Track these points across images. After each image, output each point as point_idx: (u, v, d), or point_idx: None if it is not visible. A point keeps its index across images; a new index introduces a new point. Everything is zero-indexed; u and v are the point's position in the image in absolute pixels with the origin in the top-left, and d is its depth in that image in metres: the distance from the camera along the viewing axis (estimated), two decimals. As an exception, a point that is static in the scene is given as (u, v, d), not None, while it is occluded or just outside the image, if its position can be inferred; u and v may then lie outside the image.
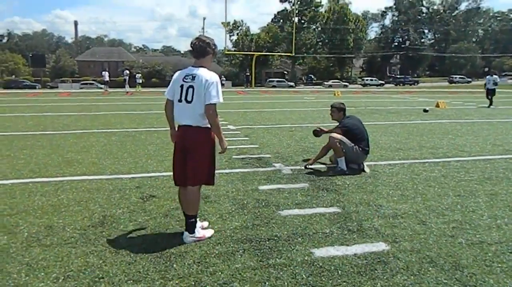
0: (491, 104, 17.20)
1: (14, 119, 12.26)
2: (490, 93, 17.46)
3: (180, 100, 3.23)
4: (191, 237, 3.28)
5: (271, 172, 5.60)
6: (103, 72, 34.29)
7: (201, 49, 3.25)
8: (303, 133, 9.36)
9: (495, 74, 18.20)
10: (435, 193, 4.59)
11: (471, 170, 5.70)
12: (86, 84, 54.97)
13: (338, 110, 5.81)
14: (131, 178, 5.21)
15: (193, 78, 3.18)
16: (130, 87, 34.09)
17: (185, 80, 3.22)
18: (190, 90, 3.18)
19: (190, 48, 3.28)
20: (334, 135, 5.54)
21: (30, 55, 60.51)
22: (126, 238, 3.36)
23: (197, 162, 3.24)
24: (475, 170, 5.73)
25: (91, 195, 4.48)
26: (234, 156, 6.58)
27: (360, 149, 5.57)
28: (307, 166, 5.82)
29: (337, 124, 5.80)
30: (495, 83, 17.63)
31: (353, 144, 5.51)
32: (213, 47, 3.29)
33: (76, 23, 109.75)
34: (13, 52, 71.06)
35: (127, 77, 33.42)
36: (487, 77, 18.19)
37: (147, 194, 4.54)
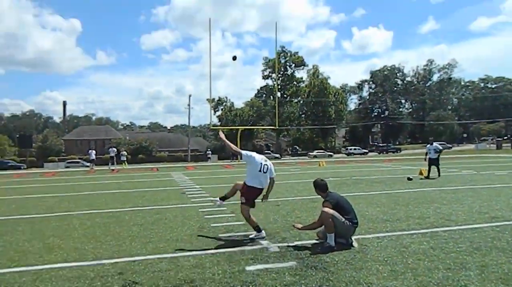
0: (439, 174, 15.56)
1: (-5, 203, 11.98)
2: (434, 162, 15.80)
3: (259, 171, 6.06)
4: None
5: (258, 250, 5.49)
6: (90, 151, 34.35)
7: (261, 149, 7.43)
8: (289, 207, 9.31)
9: (435, 141, 16.66)
10: (425, 267, 4.52)
11: (459, 241, 5.68)
12: (72, 162, 54.90)
13: (321, 188, 5.90)
14: (114, 263, 5.03)
15: (266, 160, 6.20)
16: (116, 164, 34.02)
17: (262, 161, 6.12)
18: (265, 166, 6.11)
19: (255, 149, 6.40)
20: (327, 209, 5.52)
21: (17, 136, 60.71)
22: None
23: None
24: (463, 240, 5.71)
25: (71, 285, 4.28)
26: (220, 235, 6.46)
27: (350, 222, 5.56)
28: (294, 225, 6.10)
29: (324, 199, 5.84)
30: (437, 151, 15.96)
31: (343, 219, 5.50)
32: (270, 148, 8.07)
33: (64, 104, 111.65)
34: (-1, 134, 71.35)
35: (114, 155, 33.38)
36: (427, 146, 16.46)
37: (130, 280, 4.36)
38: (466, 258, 4.81)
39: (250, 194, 6.08)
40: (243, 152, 6.24)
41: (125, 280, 4.37)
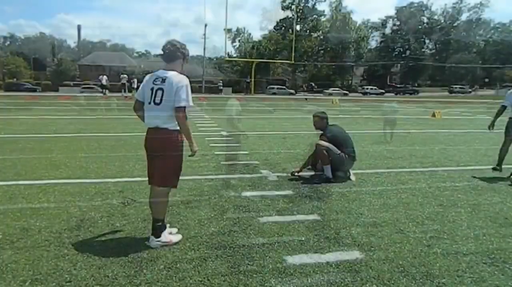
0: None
1: (9, 122, 12.28)
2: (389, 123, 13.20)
3: (149, 103, 3.24)
4: (157, 241, 3.28)
5: (257, 178, 5.59)
6: (100, 76, 34.39)
7: (171, 53, 3.30)
8: (295, 140, 9.35)
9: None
10: (417, 203, 4.58)
11: (457, 180, 5.69)
12: (87, 88, 55.12)
13: (320, 119, 5.79)
14: (116, 182, 5.20)
15: (163, 80, 3.20)
16: (129, 91, 34.10)
17: (155, 83, 3.24)
18: (159, 92, 3.19)
19: (161, 52, 3.34)
20: (321, 142, 5.54)
21: (32, 58, 60.56)
22: (100, 242, 3.35)
23: (165, 163, 3.26)
24: (461, 180, 5.72)
25: (73, 198, 4.47)
26: (222, 162, 6.57)
27: (347, 155, 5.57)
28: (294, 173, 5.83)
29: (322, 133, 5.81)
30: (395, 111, 14.36)
31: (339, 151, 5.50)
32: (183, 51, 3.34)
33: (79, 27, 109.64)
34: (15, 55, 71.09)
35: (126, 82, 33.21)
36: (385, 105, 15.19)
37: (129, 198, 4.53)
38: (460, 197, 4.85)
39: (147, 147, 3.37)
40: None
41: (124, 198, 4.54)
